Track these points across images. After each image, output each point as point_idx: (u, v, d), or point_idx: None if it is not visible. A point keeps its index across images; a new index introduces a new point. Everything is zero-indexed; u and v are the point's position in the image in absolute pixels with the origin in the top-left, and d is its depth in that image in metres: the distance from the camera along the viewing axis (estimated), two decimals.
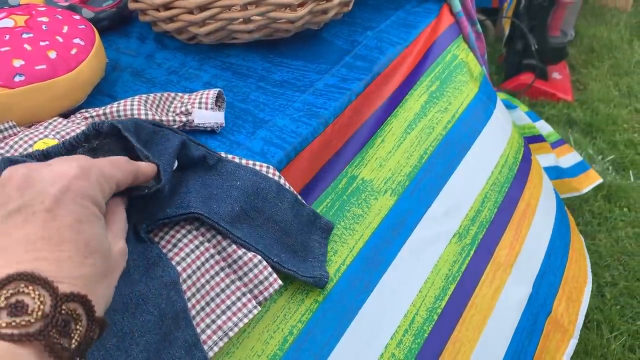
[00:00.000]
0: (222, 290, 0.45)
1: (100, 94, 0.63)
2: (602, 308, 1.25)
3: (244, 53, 0.71)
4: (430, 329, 0.56)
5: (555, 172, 1.28)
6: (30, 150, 0.49)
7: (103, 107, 0.55)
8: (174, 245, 0.45)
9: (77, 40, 0.58)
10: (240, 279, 0.46)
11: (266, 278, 0.46)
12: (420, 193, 0.64)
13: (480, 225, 0.66)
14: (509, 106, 1.41)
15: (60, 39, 0.57)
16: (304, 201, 0.54)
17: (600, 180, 1.32)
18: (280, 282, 0.47)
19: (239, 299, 0.45)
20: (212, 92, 0.59)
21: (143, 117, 0.54)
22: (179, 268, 0.44)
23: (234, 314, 0.45)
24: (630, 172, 1.63)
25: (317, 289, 0.52)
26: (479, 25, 0.86)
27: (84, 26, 0.61)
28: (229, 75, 0.67)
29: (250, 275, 0.46)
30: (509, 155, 0.75)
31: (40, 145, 0.49)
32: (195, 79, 0.67)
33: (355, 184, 0.60)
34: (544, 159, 1.27)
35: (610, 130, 1.79)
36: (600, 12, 2.49)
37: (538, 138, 1.29)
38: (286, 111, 0.61)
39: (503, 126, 0.78)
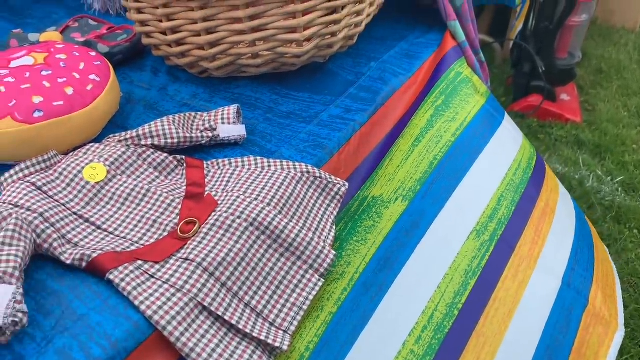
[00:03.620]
0: (287, 273, 0.51)
1: (114, 126, 0.65)
2: None
3: (253, 85, 0.74)
4: (451, 324, 0.57)
5: None
6: (80, 175, 0.54)
7: (135, 130, 0.60)
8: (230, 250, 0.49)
9: (93, 77, 0.61)
10: (299, 258, 0.52)
11: (321, 252, 0.52)
12: (433, 195, 0.66)
13: (499, 222, 0.68)
14: None
15: (77, 76, 0.60)
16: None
17: None
18: (334, 252, 0.53)
19: (303, 276, 0.52)
20: (233, 108, 0.64)
21: (175, 135, 0.60)
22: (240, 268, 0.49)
23: (303, 290, 0.51)
24: None
25: (332, 302, 0.54)
26: (481, 55, 0.88)
27: (99, 62, 0.64)
28: (240, 107, 0.70)
29: (307, 252, 0.52)
30: (522, 160, 0.77)
31: (89, 170, 0.54)
32: (206, 110, 0.69)
33: (366, 202, 0.62)
34: None
35: (619, 151, 1.80)
36: (608, 33, 2.50)
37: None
38: (292, 142, 0.63)
39: (513, 135, 0.80)
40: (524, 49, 1.90)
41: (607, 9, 2.56)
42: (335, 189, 0.58)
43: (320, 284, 0.52)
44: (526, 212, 0.71)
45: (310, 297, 0.51)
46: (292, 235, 0.52)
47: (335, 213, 0.57)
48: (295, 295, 0.51)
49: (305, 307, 0.50)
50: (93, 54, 0.65)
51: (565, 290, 0.67)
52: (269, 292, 0.50)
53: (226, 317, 0.46)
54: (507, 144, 0.77)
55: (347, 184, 0.59)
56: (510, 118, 0.86)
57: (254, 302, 0.49)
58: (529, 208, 0.72)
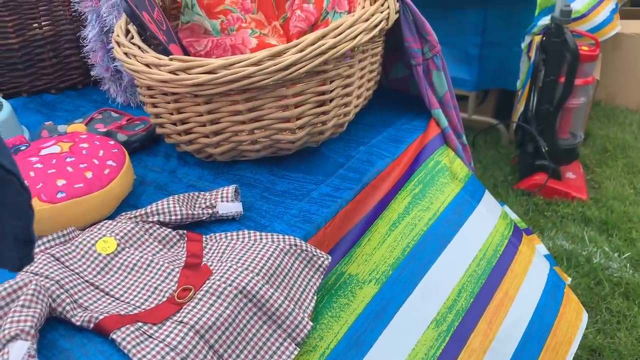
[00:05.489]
0: (267, 339, 0.57)
1: (127, 205, 0.74)
2: None
3: (253, 167, 0.82)
4: None
5: (550, 261, 1.33)
6: (93, 248, 0.62)
7: (144, 208, 0.68)
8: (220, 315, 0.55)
9: (110, 162, 0.70)
10: (279, 326, 0.57)
11: (300, 322, 0.58)
12: (402, 281, 0.71)
13: (457, 314, 0.73)
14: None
15: (96, 162, 0.69)
16: None
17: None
18: (311, 323, 0.58)
19: (281, 344, 0.57)
20: (231, 188, 0.72)
21: (178, 212, 0.68)
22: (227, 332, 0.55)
23: (280, 356, 0.56)
24: None
25: None
26: (464, 138, 0.96)
27: (116, 150, 0.73)
28: (238, 187, 0.78)
29: (287, 322, 0.57)
30: (488, 249, 0.82)
31: (101, 244, 0.62)
32: (210, 190, 0.78)
33: (342, 279, 0.68)
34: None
35: (626, 228, 1.82)
36: (612, 113, 2.59)
37: (526, 231, 1.36)
38: (284, 217, 0.70)
39: (486, 220, 0.86)
40: (527, 130, 1.99)
41: (611, 91, 2.66)
42: (319, 262, 0.65)
43: (295, 352, 0.57)
44: (483, 304, 0.77)
45: None
46: (276, 305, 0.58)
47: (317, 284, 0.63)
48: None
49: None
50: (112, 142, 0.75)
51: None
52: (250, 356, 0.55)
53: None
54: (476, 233, 0.84)
55: (330, 257, 0.65)
56: (489, 200, 0.92)
57: None
58: (487, 300, 0.78)
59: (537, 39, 1.93)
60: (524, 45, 2.04)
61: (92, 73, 1.08)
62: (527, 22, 2.02)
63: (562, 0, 1.78)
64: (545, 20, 1.92)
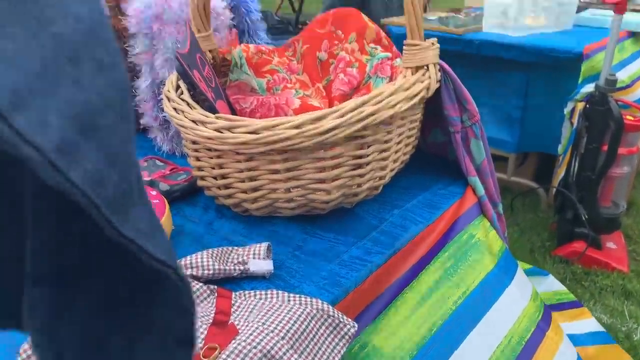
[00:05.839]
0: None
1: None
2: None
3: (287, 224, 0.83)
4: None
5: (603, 338, 1.27)
6: None
7: (179, 260, 0.69)
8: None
9: None
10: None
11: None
12: None
13: None
14: (541, 273, 1.45)
15: None
16: None
17: None
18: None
19: None
20: (264, 245, 0.73)
21: (211, 267, 0.69)
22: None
23: None
24: None
25: None
26: (500, 207, 0.95)
27: (157, 201, 0.76)
28: (271, 243, 0.79)
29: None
30: (514, 335, 0.80)
31: None
32: (243, 244, 0.79)
33: (367, 350, 0.68)
34: (585, 324, 1.28)
35: None
36: None
37: (575, 304, 1.30)
38: (313, 279, 0.71)
39: (516, 302, 0.83)
40: (567, 196, 1.95)
41: None
42: (345, 329, 0.65)
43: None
44: None
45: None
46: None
47: (342, 352, 0.63)
48: None
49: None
50: (154, 192, 0.78)
51: None
52: None
53: None
54: (504, 316, 0.82)
55: (356, 325, 0.65)
56: (521, 277, 0.90)
57: None
58: None
59: (580, 105, 1.92)
60: (566, 111, 2.03)
61: (141, 121, 1.13)
62: (569, 88, 2.02)
63: (607, 69, 1.77)
64: (589, 88, 1.91)
